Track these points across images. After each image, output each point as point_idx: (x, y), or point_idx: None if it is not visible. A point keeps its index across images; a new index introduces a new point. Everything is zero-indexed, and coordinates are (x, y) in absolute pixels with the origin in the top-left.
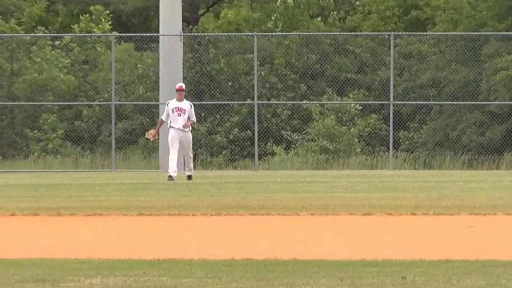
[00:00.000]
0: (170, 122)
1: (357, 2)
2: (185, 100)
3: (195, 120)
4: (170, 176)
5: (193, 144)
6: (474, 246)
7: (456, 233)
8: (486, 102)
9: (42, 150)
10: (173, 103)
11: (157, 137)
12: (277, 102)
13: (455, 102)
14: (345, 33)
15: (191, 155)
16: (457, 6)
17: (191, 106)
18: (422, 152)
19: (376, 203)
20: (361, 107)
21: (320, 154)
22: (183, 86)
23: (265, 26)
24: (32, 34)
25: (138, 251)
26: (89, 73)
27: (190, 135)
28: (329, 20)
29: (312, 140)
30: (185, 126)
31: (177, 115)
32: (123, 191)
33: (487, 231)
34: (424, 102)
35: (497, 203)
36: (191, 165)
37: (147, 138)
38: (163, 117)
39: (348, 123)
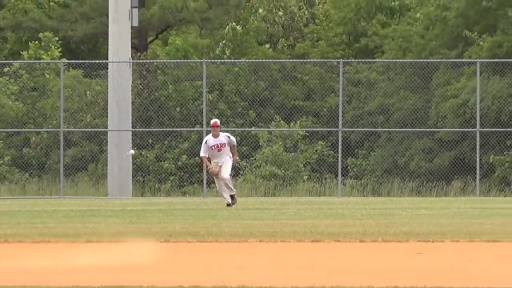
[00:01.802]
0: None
1: (306, 29)
2: (221, 134)
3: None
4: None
5: (141, 171)
6: (422, 273)
7: (405, 260)
8: (435, 129)
9: None
10: (211, 140)
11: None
12: (226, 129)
13: (403, 129)
14: (294, 60)
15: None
16: (405, 34)
17: (228, 137)
18: (371, 179)
19: (324, 230)
20: (307, 134)
21: (269, 181)
22: (218, 122)
23: (213, 53)
24: None
25: (87, 278)
26: (37, 99)
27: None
28: (278, 47)
29: (260, 167)
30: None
31: (217, 151)
32: (72, 218)
33: (435, 258)
34: (373, 129)
35: (445, 230)
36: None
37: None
38: (203, 154)
39: (295, 150)
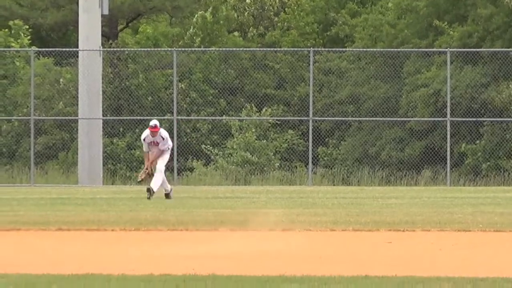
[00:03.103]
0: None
1: (276, 18)
2: (161, 131)
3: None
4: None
5: (112, 159)
6: (392, 262)
7: (375, 249)
8: (406, 119)
9: None
10: (148, 138)
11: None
12: (197, 117)
13: (374, 118)
14: (264, 48)
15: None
16: (376, 24)
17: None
18: (341, 168)
19: (295, 219)
20: (278, 122)
21: (241, 167)
22: (157, 124)
23: (183, 42)
24: None
25: (57, 266)
26: (8, 87)
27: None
28: (248, 35)
29: (231, 155)
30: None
31: (154, 145)
32: (42, 206)
33: (406, 247)
34: (343, 118)
35: (416, 219)
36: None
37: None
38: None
39: (266, 138)
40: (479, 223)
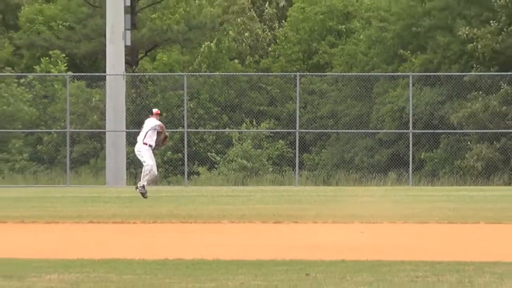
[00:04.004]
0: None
1: (269, 48)
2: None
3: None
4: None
5: (134, 164)
6: (364, 249)
7: (350, 238)
8: (375, 131)
9: (10, 169)
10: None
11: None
12: (204, 130)
13: (349, 130)
14: (259, 73)
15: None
16: (351, 52)
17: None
18: (322, 171)
19: (284, 213)
20: (271, 134)
21: (239, 172)
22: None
23: (192, 68)
24: (0, 74)
25: (89, 252)
26: (48, 105)
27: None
28: (246, 62)
29: (232, 161)
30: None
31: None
32: (76, 203)
33: (376, 236)
34: (324, 131)
35: (384, 214)
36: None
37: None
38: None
39: (260, 147)
40: (436, 216)
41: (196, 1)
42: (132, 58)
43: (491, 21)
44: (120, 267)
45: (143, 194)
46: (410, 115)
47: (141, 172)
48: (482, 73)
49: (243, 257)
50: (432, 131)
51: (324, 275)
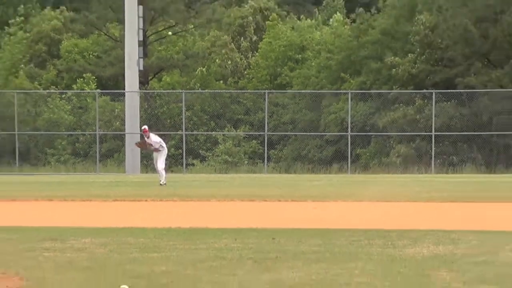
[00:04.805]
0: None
1: (245, 72)
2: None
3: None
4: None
5: (145, 158)
6: (316, 220)
7: (305, 212)
8: (323, 133)
9: (56, 161)
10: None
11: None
12: (197, 133)
13: (304, 133)
14: (237, 90)
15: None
16: (305, 75)
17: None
18: (284, 163)
19: (257, 194)
20: (246, 136)
21: (223, 164)
22: (146, 128)
23: (189, 86)
24: (47, 91)
25: (113, 222)
26: (82, 114)
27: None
28: (228, 82)
29: (218, 156)
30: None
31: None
32: (104, 186)
33: (324, 211)
34: (286, 133)
35: (330, 194)
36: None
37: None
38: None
39: (239, 145)
40: (369, 196)
41: (191, 37)
42: (144, 79)
43: (409, 53)
44: (136, 232)
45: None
46: (349, 122)
47: (152, 164)
48: (402, 91)
49: (226, 226)
50: (365, 133)
51: (285, 239)
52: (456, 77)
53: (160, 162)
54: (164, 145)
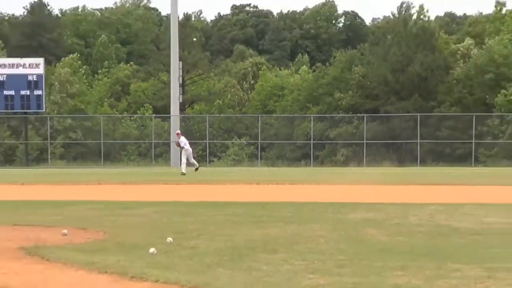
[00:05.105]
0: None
1: (246, 103)
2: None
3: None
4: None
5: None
6: (291, 196)
7: (286, 191)
8: (295, 141)
9: (128, 159)
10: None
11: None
12: (216, 141)
13: (284, 141)
14: (241, 115)
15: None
16: (285, 105)
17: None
18: (271, 160)
19: (253, 179)
20: (247, 143)
21: (232, 161)
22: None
23: (210, 112)
24: (121, 115)
25: (163, 198)
26: (143, 130)
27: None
28: (235, 109)
29: (229, 156)
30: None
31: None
32: (157, 176)
33: (296, 191)
34: (272, 141)
35: (302, 179)
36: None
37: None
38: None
39: (242, 149)
40: (324, 180)
41: (212, 81)
42: (182, 108)
43: (349, 91)
44: (177, 204)
45: (182, 173)
46: (312, 134)
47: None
48: (345, 115)
49: (234, 200)
50: (322, 141)
51: (271, 208)
52: (379, 106)
53: (183, 158)
54: (186, 146)
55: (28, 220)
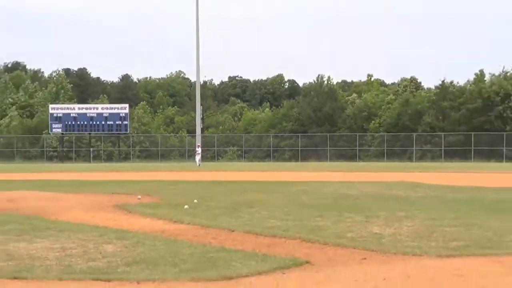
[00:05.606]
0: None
1: (235, 130)
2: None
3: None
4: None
5: (203, 158)
6: (271, 178)
7: (273, 178)
8: (280, 148)
9: (173, 159)
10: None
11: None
12: (221, 148)
13: (271, 148)
14: (234, 134)
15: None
16: (258, 131)
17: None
18: (262, 159)
19: (251, 168)
20: (239, 150)
21: (231, 159)
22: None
23: (218, 132)
24: (168, 134)
25: (193, 178)
26: (181, 142)
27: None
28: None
29: (231, 155)
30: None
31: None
32: (189, 168)
33: (282, 177)
34: (265, 148)
35: (283, 168)
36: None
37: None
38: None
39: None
40: (271, 169)
41: (218, 116)
42: (202, 131)
43: (290, 121)
44: (201, 183)
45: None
46: (271, 144)
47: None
48: (290, 134)
49: (233, 179)
50: (277, 148)
51: (258, 185)
52: (307, 130)
53: (197, 158)
54: (199, 151)
55: (119, 190)
